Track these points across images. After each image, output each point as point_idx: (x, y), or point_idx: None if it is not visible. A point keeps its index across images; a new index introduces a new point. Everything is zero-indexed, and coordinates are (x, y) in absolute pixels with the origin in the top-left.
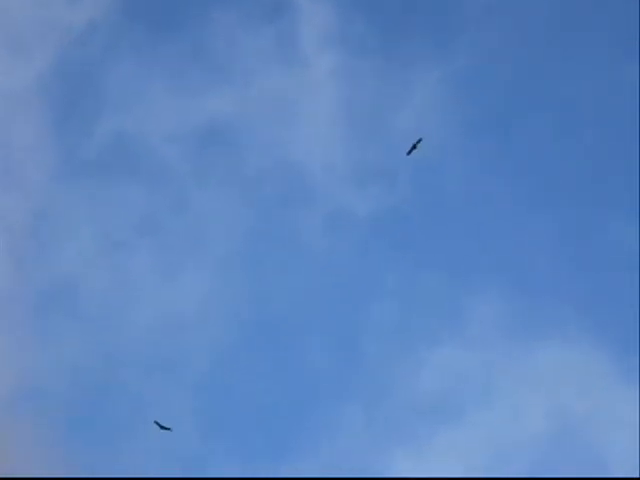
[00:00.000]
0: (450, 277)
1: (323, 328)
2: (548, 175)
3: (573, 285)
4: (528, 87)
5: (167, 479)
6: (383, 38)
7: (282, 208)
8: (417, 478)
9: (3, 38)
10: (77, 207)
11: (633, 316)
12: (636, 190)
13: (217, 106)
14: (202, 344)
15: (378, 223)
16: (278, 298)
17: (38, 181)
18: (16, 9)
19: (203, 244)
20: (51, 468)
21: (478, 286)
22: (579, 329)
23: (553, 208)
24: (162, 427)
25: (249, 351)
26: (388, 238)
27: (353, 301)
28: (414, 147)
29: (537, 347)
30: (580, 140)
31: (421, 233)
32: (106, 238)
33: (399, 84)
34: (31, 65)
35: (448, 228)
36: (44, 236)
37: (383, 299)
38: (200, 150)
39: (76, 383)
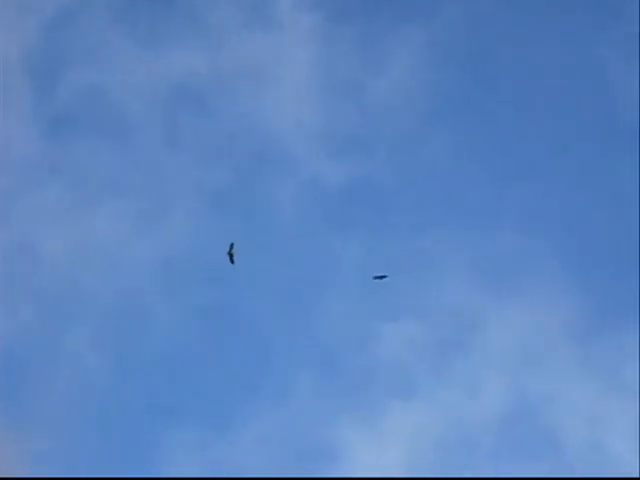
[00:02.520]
0: (415, 251)
1: (281, 295)
2: (524, 147)
3: (540, 262)
4: (512, 55)
5: (167, 479)
6: (363, 1)
7: (252, 173)
8: (411, 478)
9: None
10: (40, 164)
11: (595, 303)
12: None
13: (190, 64)
14: (164, 311)
15: (350, 193)
16: (241, 263)
17: (2, 136)
18: None
19: (171, 205)
20: None
21: (440, 263)
22: (539, 311)
23: (528, 182)
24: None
25: (206, 317)
26: (359, 209)
27: (316, 270)
28: (380, 277)
29: (497, 327)
30: (558, 109)
31: (394, 204)
32: (69, 196)
33: (379, 50)
34: None
35: (422, 200)
36: (3, 192)
37: (345, 270)
38: (170, 108)
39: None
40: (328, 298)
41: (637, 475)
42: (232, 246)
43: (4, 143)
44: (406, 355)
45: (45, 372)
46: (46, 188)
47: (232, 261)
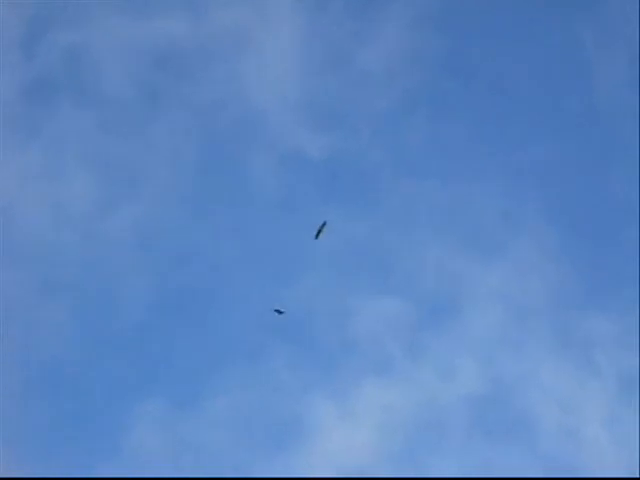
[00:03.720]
0: (396, 226)
1: (258, 269)
2: (514, 120)
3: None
4: (505, 31)
5: (168, 479)
6: None
7: (233, 145)
8: (406, 478)
9: None
10: (18, 126)
11: (578, 281)
12: None
13: (172, 31)
14: (136, 283)
15: (332, 167)
16: (218, 236)
17: None
18: None
19: (148, 174)
20: None
21: (422, 236)
22: (518, 290)
23: (517, 151)
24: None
25: (179, 289)
26: (341, 183)
27: (294, 243)
28: (319, 231)
29: (473, 308)
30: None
31: (376, 181)
32: (45, 160)
33: (367, 21)
34: None
35: (406, 179)
36: None
37: (325, 246)
38: (151, 75)
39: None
40: (305, 271)
41: (637, 475)
42: (324, 224)
43: None
44: (382, 332)
45: (11, 339)
46: (23, 151)
47: (317, 236)
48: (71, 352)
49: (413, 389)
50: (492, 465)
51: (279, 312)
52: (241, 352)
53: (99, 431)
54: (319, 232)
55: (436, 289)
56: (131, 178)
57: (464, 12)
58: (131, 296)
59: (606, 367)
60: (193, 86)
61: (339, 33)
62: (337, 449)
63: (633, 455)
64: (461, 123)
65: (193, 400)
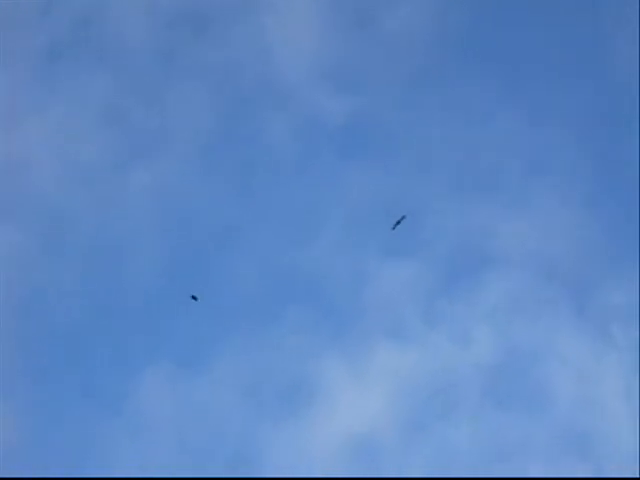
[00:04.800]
0: (416, 189)
1: (274, 230)
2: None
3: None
4: None
5: (168, 479)
6: None
7: (252, 106)
8: (409, 478)
9: None
10: (38, 87)
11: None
12: None
13: None
14: (151, 245)
15: (351, 131)
16: (233, 197)
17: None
18: None
19: (166, 138)
20: None
21: (439, 204)
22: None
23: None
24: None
25: (193, 250)
26: (361, 146)
27: (311, 205)
28: (398, 223)
29: (489, 277)
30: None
31: (396, 142)
32: (62, 125)
33: None
34: None
35: (425, 141)
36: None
37: (342, 206)
38: (169, 35)
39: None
40: (320, 233)
41: (637, 475)
42: (403, 218)
43: (3, 65)
44: (397, 297)
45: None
46: (41, 111)
47: (394, 228)
48: (81, 312)
49: (427, 355)
50: (505, 434)
51: (194, 298)
52: (252, 314)
53: (107, 392)
54: (397, 224)
55: (453, 253)
56: (148, 140)
57: None
58: (143, 258)
59: (623, 338)
60: (211, 47)
61: None
62: (347, 414)
63: None
64: (484, 86)
65: (201, 362)
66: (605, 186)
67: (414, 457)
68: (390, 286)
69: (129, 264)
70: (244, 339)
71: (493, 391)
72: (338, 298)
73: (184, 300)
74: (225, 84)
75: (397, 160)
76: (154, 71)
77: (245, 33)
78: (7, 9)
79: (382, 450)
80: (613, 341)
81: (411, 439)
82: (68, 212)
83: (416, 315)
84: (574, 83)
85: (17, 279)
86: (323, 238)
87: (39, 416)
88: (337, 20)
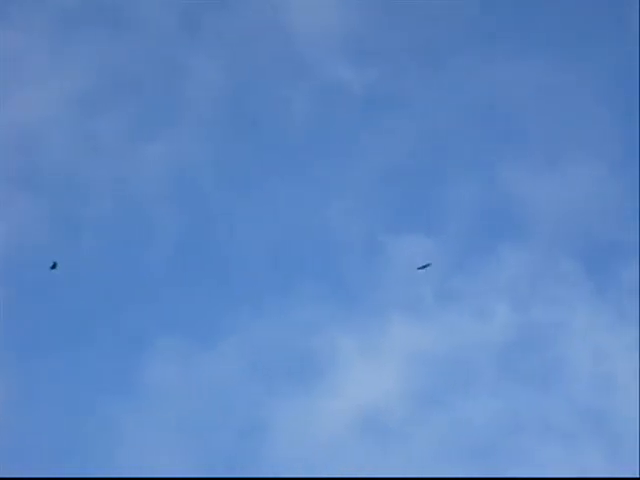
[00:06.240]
0: (440, 160)
1: (289, 200)
2: None
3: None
4: None
5: (169, 479)
6: None
7: (271, 77)
8: (415, 478)
9: None
10: (52, 56)
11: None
12: None
13: None
14: (164, 216)
15: (373, 102)
16: (249, 168)
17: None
18: None
19: (184, 108)
20: None
21: (458, 173)
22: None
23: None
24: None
25: (208, 222)
26: (381, 119)
27: (328, 175)
28: (424, 267)
29: (507, 251)
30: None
31: (415, 113)
32: (76, 94)
33: None
34: None
35: (446, 109)
36: (4, 86)
37: (357, 180)
38: (189, 4)
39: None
40: (337, 204)
41: (637, 475)
42: (428, 265)
43: (17, 34)
44: (413, 270)
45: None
46: (58, 79)
47: (419, 269)
48: (91, 286)
49: (442, 330)
50: (521, 410)
51: (54, 267)
52: (262, 286)
53: (116, 367)
54: (423, 267)
55: (471, 225)
56: (167, 110)
57: None
58: (155, 230)
59: None
60: (231, 17)
61: None
62: (358, 388)
63: None
64: (504, 51)
65: (210, 335)
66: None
67: (427, 433)
68: (405, 259)
69: (141, 236)
70: (254, 312)
71: (509, 367)
72: (351, 271)
73: (194, 273)
74: (244, 54)
75: (416, 128)
76: (174, 40)
77: (265, 2)
78: None
79: (394, 425)
80: (632, 318)
81: (425, 414)
82: (83, 182)
83: (431, 290)
84: (601, 44)
85: (29, 251)
86: (337, 209)
87: (47, 391)
88: None
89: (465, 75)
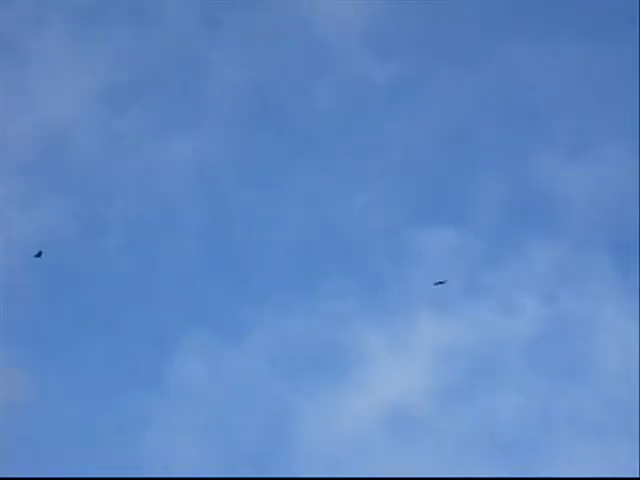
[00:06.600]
0: (466, 151)
1: (317, 195)
2: None
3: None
4: None
5: (167, 479)
6: None
7: (295, 71)
8: (419, 478)
9: None
10: (75, 51)
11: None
12: None
13: None
14: (191, 214)
15: (397, 94)
16: (275, 168)
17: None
18: None
19: (208, 105)
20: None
21: (485, 169)
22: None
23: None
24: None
25: (233, 217)
26: (405, 111)
27: (355, 167)
28: (440, 283)
29: (535, 244)
30: None
31: (438, 105)
32: (101, 92)
33: None
34: None
35: (473, 101)
36: (30, 85)
37: (384, 172)
38: (213, 2)
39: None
40: (364, 196)
41: (637, 475)
42: (444, 282)
43: (36, 30)
44: (441, 265)
45: (70, 267)
46: (80, 77)
47: (435, 284)
48: (119, 282)
49: (469, 325)
50: (550, 405)
51: (39, 255)
52: (288, 281)
53: (143, 363)
54: (439, 283)
55: (499, 218)
56: (190, 107)
57: None
58: (181, 228)
59: None
60: (254, 12)
61: None
62: (385, 384)
63: None
64: (530, 45)
65: (238, 331)
66: None
67: (456, 429)
68: (433, 253)
69: (167, 232)
70: (280, 308)
71: (538, 361)
72: (377, 265)
73: (220, 269)
74: (266, 50)
75: (442, 119)
76: (197, 36)
77: None
78: None
79: (422, 421)
80: None
81: (453, 410)
82: (108, 180)
83: (459, 283)
84: (630, 30)
85: (57, 248)
86: (362, 202)
87: (75, 386)
88: None
89: (490, 65)
